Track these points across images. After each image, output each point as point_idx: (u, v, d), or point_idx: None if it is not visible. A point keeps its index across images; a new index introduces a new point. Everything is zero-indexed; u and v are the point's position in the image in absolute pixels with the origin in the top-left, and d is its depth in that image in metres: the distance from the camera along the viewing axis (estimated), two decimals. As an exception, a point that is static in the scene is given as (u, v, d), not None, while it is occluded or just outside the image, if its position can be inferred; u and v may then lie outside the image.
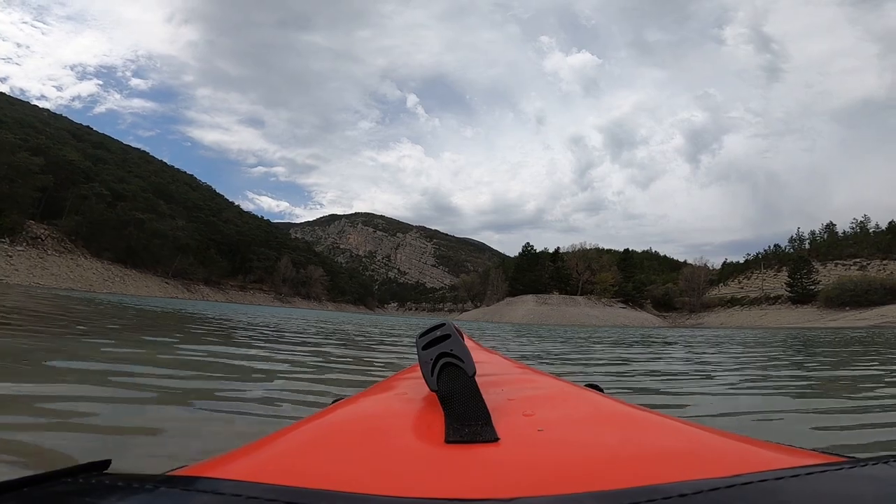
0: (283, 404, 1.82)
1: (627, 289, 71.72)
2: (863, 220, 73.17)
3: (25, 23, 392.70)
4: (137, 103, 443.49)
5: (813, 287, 57.81)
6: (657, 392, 2.61)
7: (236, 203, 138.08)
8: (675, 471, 0.28)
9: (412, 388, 0.52)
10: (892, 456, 0.27)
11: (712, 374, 3.59)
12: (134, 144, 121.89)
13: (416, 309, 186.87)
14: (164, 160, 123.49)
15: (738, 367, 4.16)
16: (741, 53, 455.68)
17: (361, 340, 6.33)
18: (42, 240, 51.26)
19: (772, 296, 64.26)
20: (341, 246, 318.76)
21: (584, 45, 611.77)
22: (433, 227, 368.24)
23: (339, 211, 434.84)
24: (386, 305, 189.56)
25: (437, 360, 0.42)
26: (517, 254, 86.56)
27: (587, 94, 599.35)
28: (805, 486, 0.24)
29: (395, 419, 0.42)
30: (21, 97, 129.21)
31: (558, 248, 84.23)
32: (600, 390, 0.56)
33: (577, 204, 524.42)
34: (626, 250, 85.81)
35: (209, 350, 3.63)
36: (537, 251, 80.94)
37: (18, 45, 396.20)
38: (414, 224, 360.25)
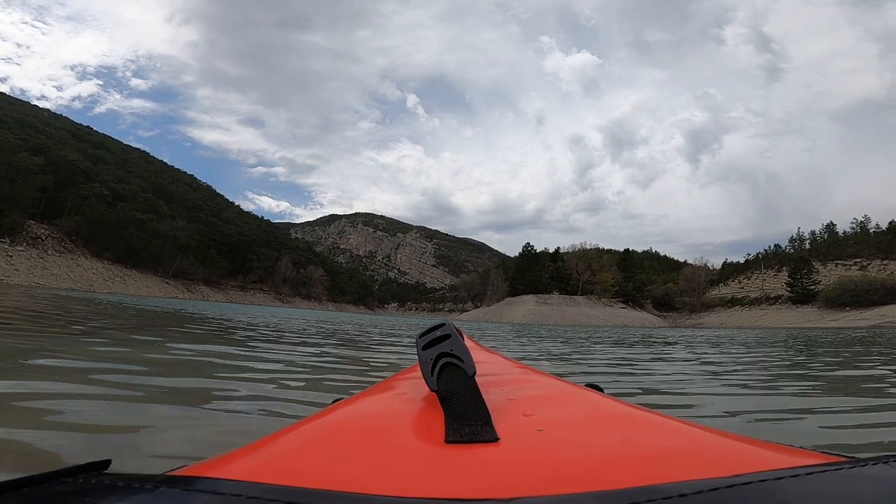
0: (282, 405, 1.80)
1: (628, 289, 71.75)
2: (863, 220, 73.29)
3: (25, 23, 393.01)
4: (137, 103, 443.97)
5: (813, 287, 57.83)
6: (661, 393, 2.59)
7: (236, 203, 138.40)
8: (675, 471, 0.28)
9: (412, 388, 0.52)
10: (892, 456, 0.27)
11: (718, 374, 3.57)
12: (134, 144, 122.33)
13: (417, 309, 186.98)
14: (165, 160, 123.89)
15: (742, 367, 4.15)
16: (741, 53, 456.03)
17: (361, 340, 6.32)
18: (42, 240, 51.29)
19: (772, 296, 64.27)
20: (341, 246, 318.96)
21: (585, 45, 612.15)
22: (433, 228, 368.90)
23: (339, 211, 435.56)
24: (386, 305, 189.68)
25: (437, 360, 0.42)
26: (517, 254, 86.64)
27: (587, 94, 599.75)
28: (805, 486, 0.24)
29: (395, 419, 0.42)
30: (21, 97, 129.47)
31: (558, 248, 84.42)
32: (600, 390, 0.56)
33: (578, 204, 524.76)
34: (627, 250, 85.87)
35: (208, 350, 3.61)
36: (537, 251, 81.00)
37: (19, 46, 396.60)
38: (414, 224, 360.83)
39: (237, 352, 3.73)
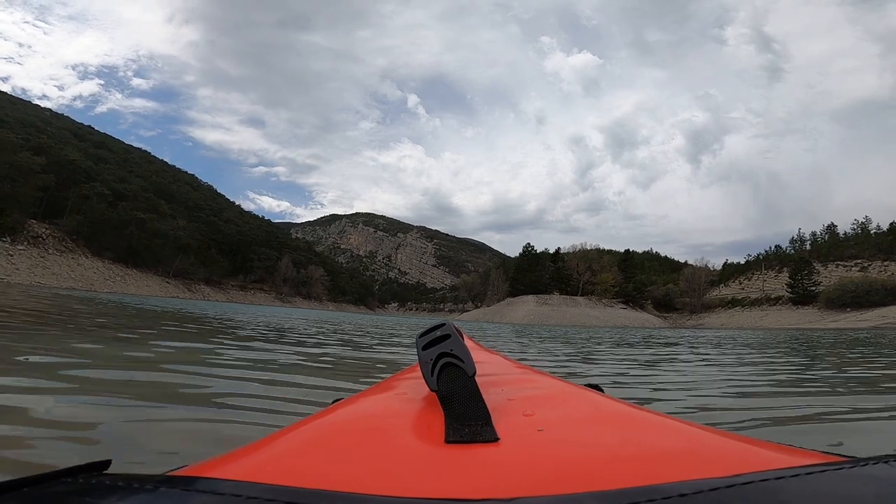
0: (282, 405, 1.80)
1: (628, 289, 71.67)
2: (864, 220, 73.10)
3: (27, 22, 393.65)
4: (139, 103, 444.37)
5: (814, 288, 57.71)
6: (665, 396, 2.60)
7: (237, 203, 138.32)
8: (675, 471, 0.28)
9: (412, 388, 0.52)
10: (892, 456, 0.27)
11: (722, 374, 3.57)
12: (135, 144, 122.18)
13: (417, 309, 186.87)
14: (166, 160, 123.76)
15: (748, 367, 4.15)
16: (742, 53, 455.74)
17: (362, 340, 6.33)
18: (43, 239, 51.31)
19: (772, 297, 64.13)
20: (342, 246, 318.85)
21: (585, 45, 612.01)
22: (434, 228, 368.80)
23: (339, 211, 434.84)
24: (386, 305, 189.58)
25: (437, 360, 0.42)
26: (518, 254, 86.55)
27: (588, 95, 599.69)
28: (805, 485, 0.24)
29: (395, 419, 0.42)
30: (23, 97, 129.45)
31: (559, 248, 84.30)
32: (600, 390, 0.56)
33: (578, 204, 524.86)
34: (627, 251, 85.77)
35: (209, 350, 3.62)
36: (538, 251, 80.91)
37: (20, 45, 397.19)
38: (414, 224, 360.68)
39: (237, 352, 3.73)
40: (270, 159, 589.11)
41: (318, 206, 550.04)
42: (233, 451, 0.35)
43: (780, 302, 61.31)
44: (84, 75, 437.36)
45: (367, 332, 8.63)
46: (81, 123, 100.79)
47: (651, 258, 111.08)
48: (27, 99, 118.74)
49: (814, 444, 1.53)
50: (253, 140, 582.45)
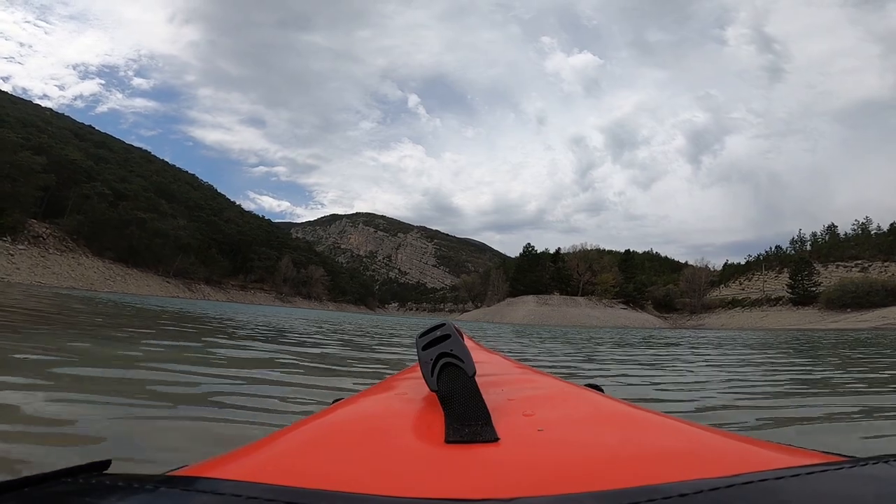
0: (282, 405, 1.80)
1: (628, 290, 71.64)
2: (864, 221, 73.07)
3: (28, 22, 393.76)
4: (139, 103, 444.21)
5: (814, 289, 57.68)
6: (666, 397, 2.59)
7: (237, 203, 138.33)
8: (675, 471, 0.28)
9: (412, 388, 0.52)
10: (893, 456, 0.27)
11: (724, 375, 3.57)
12: (136, 144, 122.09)
13: (417, 309, 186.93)
14: (166, 160, 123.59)
15: (750, 368, 4.15)
16: (743, 54, 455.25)
17: (362, 341, 6.32)
18: (44, 239, 51.34)
19: (773, 297, 64.10)
20: (342, 246, 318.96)
21: (586, 45, 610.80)
22: (434, 228, 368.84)
23: (340, 211, 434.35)
24: (387, 305, 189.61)
25: (437, 360, 0.42)
26: (518, 254, 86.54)
27: (588, 95, 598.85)
28: (805, 485, 0.24)
29: (395, 419, 0.42)
30: (23, 96, 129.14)
31: (559, 248, 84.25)
32: (600, 390, 0.56)
33: (579, 204, 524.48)
34: (627, 251, 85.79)
35: (208, 350, 3.62)
36: (538, 252, 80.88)
37: (21, 45, 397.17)
38: (415, 224, 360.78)
39: (236, 352, 3.73)
40: (271, 159, 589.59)
41: (319, 206, 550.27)
42: (233, 451, 0.36)
43: (781, 302, 61.28)
44: (85, 75, 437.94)
45: (367, 333, 8.63)
46: (82, 123, 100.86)
47: (651, 258, 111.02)
48: (28, 98, 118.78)
49: (830, 444, 1.52)
50: (253, 140, 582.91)
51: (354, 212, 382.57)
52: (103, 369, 2.26)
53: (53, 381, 1.89)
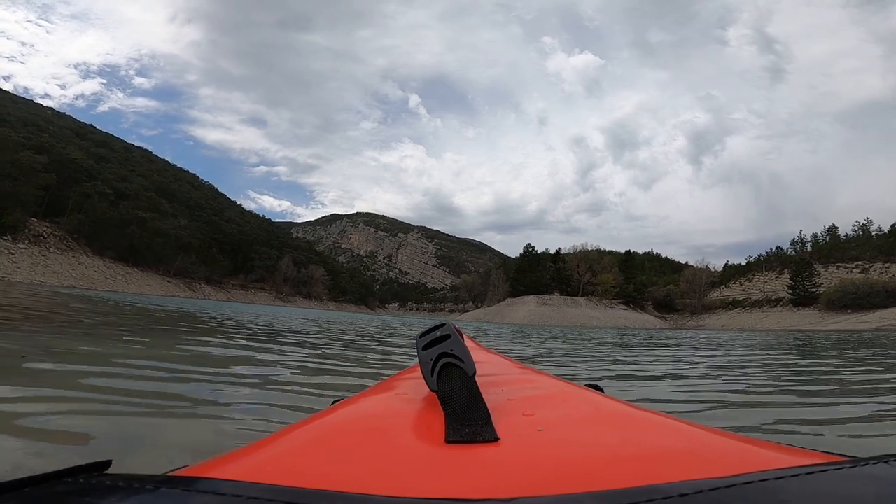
0: (282, 405, 1.81)
1: (629, 290, 71.59)
2: (865, 222, 72.95)
3: (30, 21, 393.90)
4: (141, 102, 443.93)
5: (814, 289, 57.63)
6: (668, 397, 2.59)
7: (238, 202, 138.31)
8: (675, 471, 0.28)
9: (412, 389, 0.52)
10: (893, 456, 0.27)
11: (726, 376, 3.57)
12: (137, 143, 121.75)
13: (417, 309, 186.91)
14: (167, 159, 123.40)
15: (752, 369, 4.15)
16: (744, 54, 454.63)
17: (362, 341, 6.33)
18: (44, 238, 51.39)
19: (773, 298, 64.04)
20: (343, 246, 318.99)
21: (587, 45, 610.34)
22: (434, 228, 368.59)
23: (340, 211, 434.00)
24: (387, 305, 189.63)
25: (437, 361, 0.42)
26: (518, 254, 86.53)
27: (589, 95, 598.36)
28: (805, 485, 0.24)
29: (395, 419, 0.42)
30: (25, 95, 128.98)
31: (559, 249, 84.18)
32: (600, 390, 0.56)
33: (579, 205, 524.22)
34: (628, 252, 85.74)
35: (208, 350, 3.63)
36: (538, 252, 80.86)
37: (23, 44, 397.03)
38: (415, 224, 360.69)
39: (236, 352, 3.74)
40: (272, 159, 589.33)
41: (319, 206, 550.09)
42: (233, 451, 0.36)
43: (781, 303, 61.22)
44: (86, 74, 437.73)
45: (368, 333, 8.63)
46: (83, 122, 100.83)
47: (652, 259, 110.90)
48: (29, 98, 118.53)
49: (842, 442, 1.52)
50: (254, 139, 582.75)
51: (355, 212, 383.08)
52: (102, 368, 2.26)
53: (53, 381, 1.90)
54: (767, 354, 6.27)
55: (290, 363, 3.19)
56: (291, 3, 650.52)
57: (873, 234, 69.76)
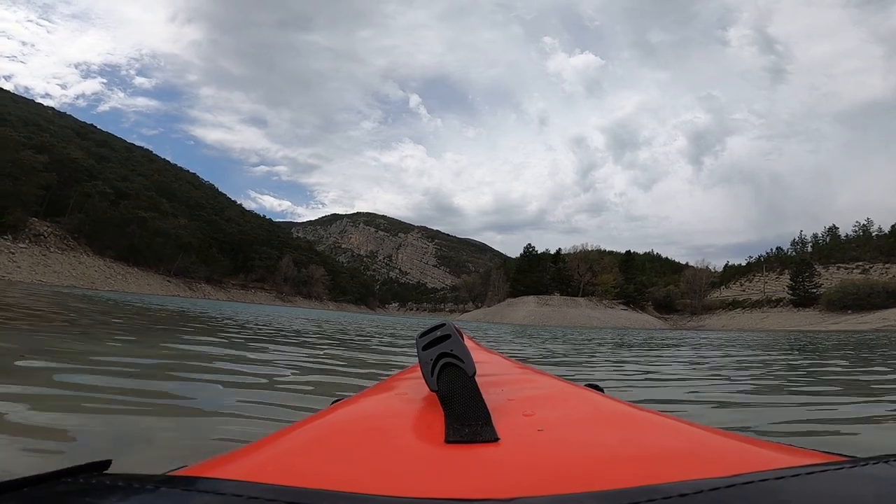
0: (282, 405, 1.80)
1: (629, 290, 71.58)
2: (865, 223, 72.98)
3: (31, 21, 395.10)
4: (141, 102, 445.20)
5: (815, 290, 57.62)
6: (668, 397, 2.58)
7: (238, 202, 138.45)
8: (675, 471, 0.28)
9: (412, 389, 0.52)
10: (892, 456, 0.27)
11: (728, 376, 3.56)
12: (137, 143, 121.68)
13: (418, 309, 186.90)
14: (168, 159, 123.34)
15: (754, 369, 4.13)
16: (745, 55, 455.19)
17: (362, 341, 6.32)
18: (45, 237, 51.40)
19: (773, 298, 64.02)
20: (343, 245, 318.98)
21: (587, 45, 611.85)
22: (435, 228, 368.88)
23: (340, 210, 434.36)
24: (387, 305, 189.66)
25: (437, 361, 0.42)
26: (519, 255, 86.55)
27: (590, 95, 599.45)
28: (805, 485, 0.24)
29: (395, 419, 0.42)
30: (26, 95, 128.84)
31: (560, 249, 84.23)
32: (600, 390, 0.56)
33: (580, 205, 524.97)
34: (628, 252, 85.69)
35: (208, 350, 3.62)
36: (539, 252, 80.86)
37: (23, 44, 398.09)
38: (416, 224, 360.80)
39: (236, 352, 3.73)
40: (272, 158, 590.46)
41: (320, 206, 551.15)
42: (233, 451, 0.36)
43: (781, 304, 61.20)
44: (87, 74, 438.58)
45: (368, 333, 8.62)
46: (84, 122, 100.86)
47: (652, 259, 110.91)
48: (30, 97, 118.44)
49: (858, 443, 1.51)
50: (255, 139, 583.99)
51: (355, 211, 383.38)
52: (100, 368, 2.25)
53: (52, 381, 1.89)
54: (769, 355, 6.26)
55: (289, 363, 3.18)
56: (292, 3, 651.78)
57: (874, 234, 69.76)
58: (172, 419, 1.51)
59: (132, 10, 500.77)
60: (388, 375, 0.99)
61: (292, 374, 2.69)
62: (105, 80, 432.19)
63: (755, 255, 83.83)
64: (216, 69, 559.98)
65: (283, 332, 6.48)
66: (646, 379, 3.37)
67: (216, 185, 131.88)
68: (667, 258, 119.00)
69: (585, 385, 0.56)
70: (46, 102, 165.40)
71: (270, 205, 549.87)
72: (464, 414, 0.37)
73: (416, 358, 0.45)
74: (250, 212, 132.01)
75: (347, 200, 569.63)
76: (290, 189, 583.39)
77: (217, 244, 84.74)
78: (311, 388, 2.24)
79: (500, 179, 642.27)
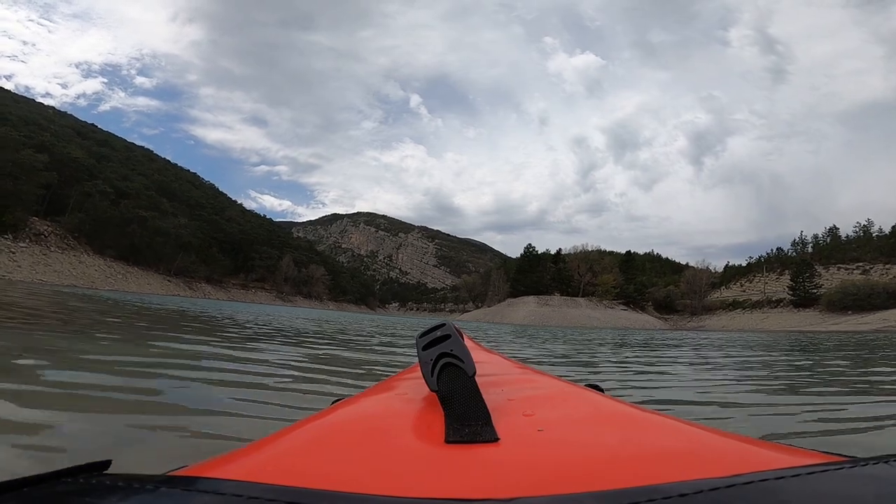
0: (282, 405, 1.79)
1: (629, 291, 71.56)
2: (866, 223, 72.96)
3: (32, 20, 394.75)
4: (142, 101, 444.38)
5: (815, 291, 57.60)
6: (669, 397, 2.58)
7: (239, 201, 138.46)
8: (675, 471, 0.28)
9: (412, 389, 0.52)
10: (892, 456, 0.27)
11: (729, 377, 3.55)
12: (138, 142, 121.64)
13: (418, 309, 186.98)
14: (168, 158, 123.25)
15: (755, 369, 4.13)
16: (746, 55, 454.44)
17: (362, 341, 6.32)
18: (45, 236, 51.43)
19: (774, 299, 63.99)
20: (343, 245, 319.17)
21: (588, 45, 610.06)
22: (435, 228, 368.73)
23: (341, 210, 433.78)
24: (387, 305, 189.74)
25: (437, 361, 0.42)
26: (519, 255, 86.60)
27: (590, 95, 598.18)
28: (805, 485, 0.24)
29: (395, 419, 0.42)
30: (26, 95, 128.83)
31: (560, 249, 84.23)
32: (600, 390, 0.56)
33: (580, 205, 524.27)
34: (628, 252, 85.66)
35: (208, 350, 3.61)
36: (539, 252, 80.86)
37: (24, 43, 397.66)
38: (416, 224, 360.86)
39: (236, 352, 3.73)
40: (272, 158, 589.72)
41: (320, 206, 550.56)
42: (233, 451, 0.36)
43: (781, 304, 61.18)
44: (87, 73, 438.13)
45: (368, 332, 8.62)
46: (84, 121, 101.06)
47: (652, 260, 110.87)
48: (31, 97, 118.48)
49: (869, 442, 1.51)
50: (255, 139, 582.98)
51: (356, 211, 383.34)
52: (98, 367, 2.25)
53: (50, 382, 1.89)
54: (771, 355, 6.25)
55: (290, 363, 3.18)
56: (293, 3, 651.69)
57: (874, 235, 69.74)
58: (171, 418, 1.50)
59: (133, 9, 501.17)
60: (388, 375, 1.00)
61: (292, 373, 2.68)
62: (106, 80, 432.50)
63: (755, 256, 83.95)
64: (217, 69, 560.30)
65: (284, 332, 6.48)
66: (646, 379, 3.37)
67: (216, 185, 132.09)
68: (667, 258, 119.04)
69: (585, 385, 0.56)
70: (47, 102, 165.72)
71: (271, 204, 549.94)
72: (464, 414, 0.37)
73: (416, 358, 0.45)
74: (251, 211, 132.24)
75: (348, 200, 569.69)
76: (290, 189, 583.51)
77: (217, 244, 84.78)
78: (311, 387, 2.24)
79: (500, 179, 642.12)
